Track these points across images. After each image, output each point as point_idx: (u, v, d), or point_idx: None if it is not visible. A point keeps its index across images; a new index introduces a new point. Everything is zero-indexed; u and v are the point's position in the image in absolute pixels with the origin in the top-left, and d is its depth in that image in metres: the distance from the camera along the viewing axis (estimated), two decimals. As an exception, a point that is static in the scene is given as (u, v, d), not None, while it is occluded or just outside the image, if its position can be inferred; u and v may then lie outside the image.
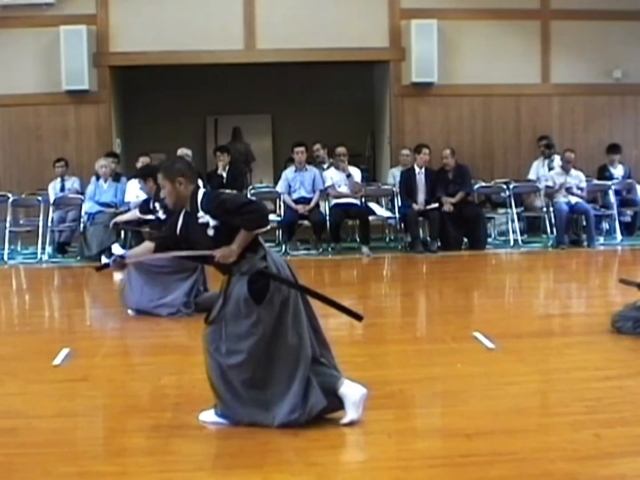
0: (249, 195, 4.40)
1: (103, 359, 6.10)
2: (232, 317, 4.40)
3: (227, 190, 4.05)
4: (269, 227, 4.50)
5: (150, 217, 7.87)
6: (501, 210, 12.43)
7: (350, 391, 4.43)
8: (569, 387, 5.10)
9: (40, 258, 11.37)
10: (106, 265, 4.90)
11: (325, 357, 4.54)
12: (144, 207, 8.06)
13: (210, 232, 4.42)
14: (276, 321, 4.38)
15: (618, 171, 12.95)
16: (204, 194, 4.51)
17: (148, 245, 4.78)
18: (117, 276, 10.58)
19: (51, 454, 4.14)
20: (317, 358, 4.47)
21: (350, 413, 4.40)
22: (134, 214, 8.26)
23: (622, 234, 12.14)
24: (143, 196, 11.45)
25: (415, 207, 11.69)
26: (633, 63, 13.62)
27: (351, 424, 4.38)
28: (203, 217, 4.43)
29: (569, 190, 11.85)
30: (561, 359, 5.87)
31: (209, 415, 4.53)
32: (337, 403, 4.42)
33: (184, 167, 4.62)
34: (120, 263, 4.68)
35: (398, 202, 12.04)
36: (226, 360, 4.41)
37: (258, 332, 4.37)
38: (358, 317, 4.66)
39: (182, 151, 12.40)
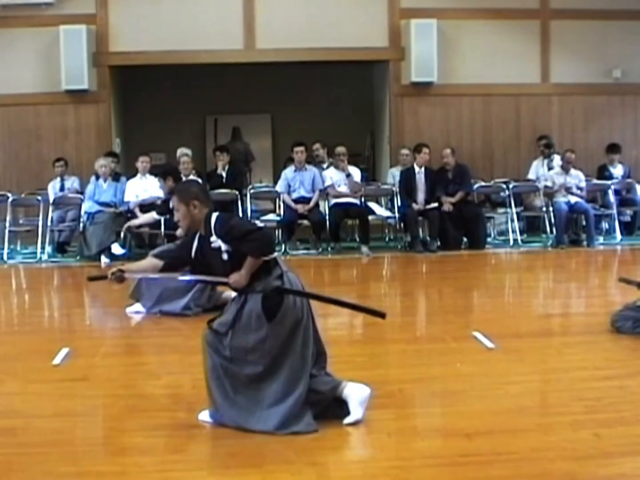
0: (256, 222, 4.33)
1: (103, 358, 6.10)
2: (240, 329, 4.40)
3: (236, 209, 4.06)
4: (274, 255, 4.46)
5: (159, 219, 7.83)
6: (501, 210, 12.43)
7: (355, 391, 4.44)
8: (569, 387, 5.10)
9: (40, 258, 11.36)
10: (102, 278, 4.83)
11: (321, 364, 4.55)
12: (163, 207, 8.03)
13: (224, 256, 4.44)
14: (284, 342, 4.38)
15: (618, 171, 12.95)
16: (217, 217, 4.49)
17: (153, 262, 4.74)
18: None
19: (51, 453, 4.14)
20: (314, 374, 4.48)
21: (355, 412, 4.40)
22: (151, 216, 8.20)
23: (621, 233, 12.14)
24: (143, 195, 11.56)
25: (415, 206, 11.70)
26: (633, 63, 13.63)
27: (355, 423, 4.38)
28: (215, 241, 4.45)
29: (568, 190, 11.86)
30: (561, 358, 5.87)
31: (205, 415, 4.53)
32: (340, 412, 4.43)
33: (198, 190, 4.65)
34: (119, 277, 4.63)
35: (398, 201, 12.04)
36: (226, 361, 4.42)
37: (263, 349, 4.37)
38: (381, 315, 4.62)
39: (182, 151, 12.39)
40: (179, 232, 7.77)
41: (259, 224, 4.45)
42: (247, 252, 4.37)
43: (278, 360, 4.39)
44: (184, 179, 10.35)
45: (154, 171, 8.57)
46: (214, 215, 4.51)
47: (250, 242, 4.35)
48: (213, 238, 4.45)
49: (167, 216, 7.83)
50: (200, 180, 11.51)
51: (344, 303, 4.63)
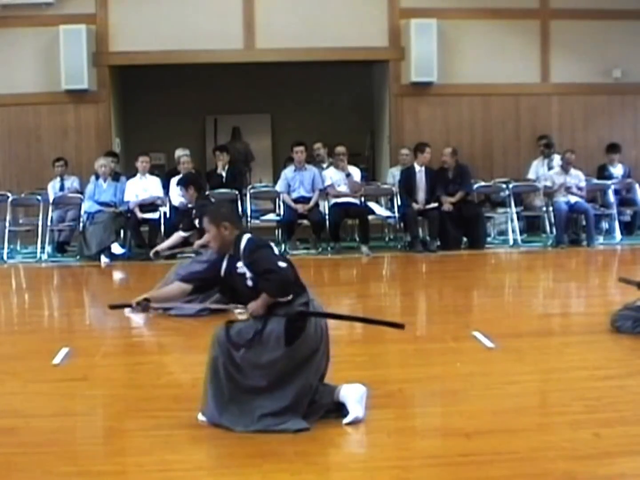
0: (278, 258, 4.26)
1: (102, 358, 6.10)
2: (257, 346, 4.39)
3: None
4: (290, 297, 4.42)
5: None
6: (501, 210, 12.42)
7: (350, 391, 4.46)
8: (569, 387, 5.10)
9: (40, 257, 11.36)
10: (126, 306, 4.81)
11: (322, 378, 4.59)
12: (187, 223, 8.01)
13: (249, 282, 4.45)
14: (295, 366, 4.39)
15: (617, 170, 12.94)
16: (247, 242, 4.49)
17: (182, 287, 4.69)
18: (117, 275, 10.64)
19: (51, 453, 4.14)
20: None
21: (354, 411, 4.40)
22: (178, 235, 8.15)
23: (621, 233, 12.13)
24: (143, 195, 11.56)
25: (415, 206, 11.69)
26: (632, 62, 13.61)
27: (355, 422, 4.38)
28: (241, 267, 4.46)
29: (568, 190, 11.86)
30: (561, 358, 5.87)
31: (202, 416, 4.54)
32: (339, 414, 4.44)
33: (229, 212, 4.68)
34: (145, 307, 4.61)
35: (397, 201, 12.03)
36: (233, 367, 4.43)
37: (273, 368, 4.38)
38: (399, 326, 4.64)
39: (180, 152, 12.41)
40: (196, 244, 7.79)
41: (282, 264, 4.35)
42: (262, 289, 4.39)
43: (285, 379, 4.39)
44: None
45: (178, 181, 8.54)
46: (245, 238, 4.51)
47: (267, 282, 4.36)
48: (240, 264, 4.46)
49: (193, 232, 7.84)
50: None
51: (364, 319, 4.66)
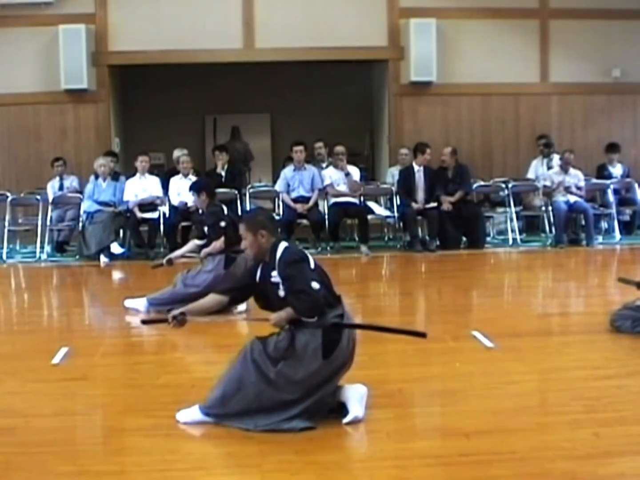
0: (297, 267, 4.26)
1: (102, 358, 6.10)
2: (293, 359, 4.38)
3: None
4: (315, 319, 4.39)
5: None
6: (500, 209, 12.42)
7: (351, 391, 4.48)
8: (568, 386, 5.10)
9: (39, 257, 11.36)
10: (161, 321, 4.81)
11: None
12: (201, 230, 8.03)
13: (281, 293, 4.44)
14: (325, 379, 4.39)
15: (617, 170, 12.95)
16: (283, 251, 4.47)
17: (216, 299, 4.69)
18: (116, 275, 10.63)
19: (50, 453, 4.14)
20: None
21: (354, 410, 4.40)
22: (193, 244, 8.14)
23: (620, 233, 12.14)
24: (142, 195, 11.56)
25: (415, 205, 11.69)
26: (632, 62, 13.62)
27: (355, 421, 4.38)
28: (275, 277, 4.45)
29: (567, 189, 11.86)
30: (560, 358, 5.87)
31: (189, 413, 4.51)
32: (339, 414, 4.45)
33: (267, 219, 4.65)
34: (181, 321, 4.62)
35: (397, 201, 12.04)
36: (265, 383, 4.42)
37: (309, 383, 4.36)
38: (422, 335, 4.59)
39: (178, 152, 12.42)
40: (203, 253, 7.77)
41: (315, 285, 4.31)
42: (291, 306, 4.38)
43: (314, 390, 4.39)
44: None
45: (190, 186, 8.54)
46: (281, 246, 4.50)
47: (297, 300, 4.35)
48: (274, 273, 4.45)
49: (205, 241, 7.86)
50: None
51: (389, 329, 4.71)
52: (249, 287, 4.64)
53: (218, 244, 7.67)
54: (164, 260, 8.18)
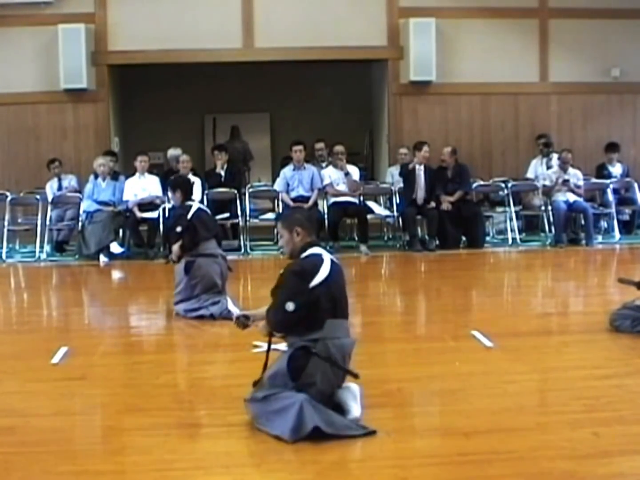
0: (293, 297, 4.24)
1: (101, 357, 6.10)
2: (273, 396, 4.36)
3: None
4: (281, 334, 4.45)
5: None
6: (499, 209, 12.42)
7: (346, 392, 4.45)
8: (568, 386, 5.10)
9: (39, 257, 11.36)
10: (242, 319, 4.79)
11: None
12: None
13: None
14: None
15: (616, 170, 12.95)
16: (305, 256, 4.47)
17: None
18: (116, 275, 10.64)
19: (49, 452, 4.14)
20: None
21: (353, 410, 4.38)
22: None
23: (620, 232, 12.14)
24: (142, 195, 11.56)
25: (418, 196, 11.64)
26: (631, 62, 13.62)
27: (355, 421, 4.35)
28: None
29: (566, 184, 11.82)
30: (559, 357, 5.87)
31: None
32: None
33: (304, 218, 4.65)
34: (244, 323, 4.69)
35: (396, 200, 12.04)
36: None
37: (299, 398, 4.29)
38: (355, 376, 4.48)
39: (173, 151, 12.42)
40: (173, 255, 7.66)
41: (290, 306, 4.31)
42: (266, 316, 4.43)
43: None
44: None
45: (168, 182, 8.47)
46: (309, 251, 4.49)
47: (269, 312, 4.41)
48: None
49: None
50: (197, 181, 11.56)
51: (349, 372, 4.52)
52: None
53: (175, 248, 7.52)
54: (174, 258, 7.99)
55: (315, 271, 4.40)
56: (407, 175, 11.86)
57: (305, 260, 4.48)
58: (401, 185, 12.06)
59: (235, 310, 7.14)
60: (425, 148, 11.90)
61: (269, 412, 4.29)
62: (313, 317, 4.38)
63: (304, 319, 4.37)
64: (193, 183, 8.68)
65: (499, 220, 12.48)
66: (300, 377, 4.33)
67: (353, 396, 4.44)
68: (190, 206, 7.69)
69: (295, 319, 4.35)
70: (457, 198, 11.78)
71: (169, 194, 8.24)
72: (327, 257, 4.53)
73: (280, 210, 11.79)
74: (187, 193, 7.87)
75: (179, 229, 7.52)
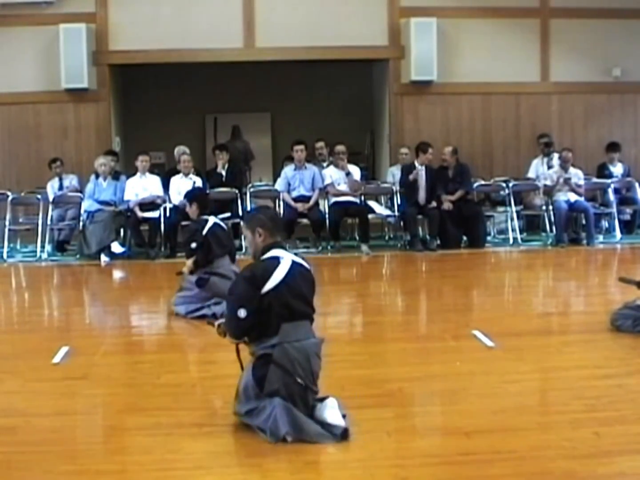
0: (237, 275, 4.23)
1: (102, 357, 6.10)
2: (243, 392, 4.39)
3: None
4: (236, 341, 4.44)
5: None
6: (500, 209, 12.42)
7: (323, 409, 4.32)
8: (568, 386, 5.10)
9: (40, 256, 11.35)
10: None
11: None
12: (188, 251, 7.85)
13: None
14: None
15: (617, 169, 12.94)
16: (263, 259, 4.40)
17: None
18: (117, 274, 10.64)
19: (50, 452, 4.14)
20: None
21: (338, 422, 4.25)
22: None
23: (621, 232, 12.13)
24: (143, 194, 11.56)
25: (419, 196, 11.66)
26: (632, 61, 13.62)
27: (345, 433, 4.22)
28: None
29: (567, 182, 11.81)
30: (560, 357, 5.87)
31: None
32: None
33: (266, 218, 4.54)
34: (224, 330, 4.62)
35: (397, 200, 12.04)
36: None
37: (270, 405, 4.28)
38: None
39: (180, 149, 12.41)
40: (185, 268, 7.64)
41: (242, 313, 4.28)
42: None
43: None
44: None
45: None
46: (269, 253, 4.42)
47: (224, 317, 4.42)
48: None
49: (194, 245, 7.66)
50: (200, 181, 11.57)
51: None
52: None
53: (189, 263, 7.48)
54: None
55: (267, 276, 4.30)
56: (409, 174, 11.85)
57: (258, 265, 4.40)
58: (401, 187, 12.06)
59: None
60: (430, 151, 11.88)
61: (257, 425, 4.27)
62: (266, 322, 4.31)
63: (257, 325, 4.31)
64: (207, 194, 8.57)
65: (500, 220, 12.47)
66: (264, 386, 4.29)
67: (333, 410, 4.29)
68: (206, 221, 7.57)
69: (248, 326, 4.31)
70: (458, 197, 11.77)
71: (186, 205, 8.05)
72: (286, 260, 4.41)
73: (282, 211, 11.80)
74: (204, 207, 7.77)
75: (193, 245, 7.44)
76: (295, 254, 4.56)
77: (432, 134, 13.08)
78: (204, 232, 7.45)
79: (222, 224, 7.83)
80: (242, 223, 4.62)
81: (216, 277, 7.34)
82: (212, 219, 7.65)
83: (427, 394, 5.22)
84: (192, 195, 8.07)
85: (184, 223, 11.35)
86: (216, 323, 4.57)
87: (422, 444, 4.22)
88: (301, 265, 4.49)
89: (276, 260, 4.38)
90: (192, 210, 7.75)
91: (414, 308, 8.47)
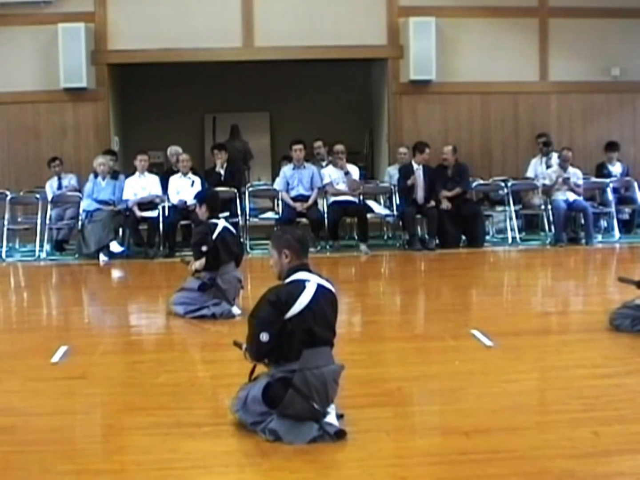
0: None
1: (101, 356, 6.10)
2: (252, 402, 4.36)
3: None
4: (256, 363, 4.42)
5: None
6: (499, 208, 12.42)
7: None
8: (567, 385, 5.11)
9: (39, 256, 11.35)
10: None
11: None
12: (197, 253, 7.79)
13: None
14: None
15: (616, 169, 12.95)
16: (287, 283, 4.36)
17: None
18: (116, 274, 10.64)
19: (49, 451, 4.14)
20: None
21: (334, 422, 4.29)
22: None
23: (620, 231, 12.13)
24: (142, 194, 11.56)
25: (417, 196, 11.65)
26: (631, 61, 13.62)
27: (341, 434, 4.23)
28: None
29: (566, 181, 11.81)
30: (559, 356, 5.87)
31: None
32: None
33: (294, 240, 4.46)
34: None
35: (396, 199, 12.04)
36: None
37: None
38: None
39: (173, 149, 12.41)
40: (192, 266, 7.62)
41: (264, 337, 4.23)
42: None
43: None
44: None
45: (194, 195, 8.21)
46: (295, 276, 4.36)
47: (247, 340, 4.36)
48: None
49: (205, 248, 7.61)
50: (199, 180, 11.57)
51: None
52: None
53: (197, 264, 7.44)
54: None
55: (292, 302, 4.26)
56: (406, 175, 11.86)
57: (284, 289, 4.34)
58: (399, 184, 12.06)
59: (237, 311, 7.18)
60: (427, 150, 11.90)
61: (259, 430, 4.28)
62: (288, 347, 4.28)
63: (278, 348, 4.29)
64: (218, 195, 8.51)
65: (498, 219, 12.48)
66: (277, 406, 4.25)
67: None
68: (216, 225, 7.50)
69: (269, 349, 4.28)
70: (455, 194, 11.77)
71: (197, 207, 7.98)
72: (312, 284, 4.35)
73: (281, 210, 11.79)
74: (214, 209, 7.68)
75: (204, 248, 7.38)
76: (320, 276, 4.48)
77: (431, 134, 13.09)
78: (214, 236, 7.39)
79: (231, 228, 7.75)
80: (270, 242, 4.54)
81: (219, 283, 7.32)
82: (221, 223, 7.56)
83: (426, 393, 5.22)
84: (202, 196, 7.99)
85: (183, 222, 11.40)
86: (243, 347, 4.51)
87: (421, 444, 4.22)
88: (325, 287, 4.45)
89: (302, 284, 4.33)
90: (201, 211, 7.67)
91: (412, 307, 8.47)
